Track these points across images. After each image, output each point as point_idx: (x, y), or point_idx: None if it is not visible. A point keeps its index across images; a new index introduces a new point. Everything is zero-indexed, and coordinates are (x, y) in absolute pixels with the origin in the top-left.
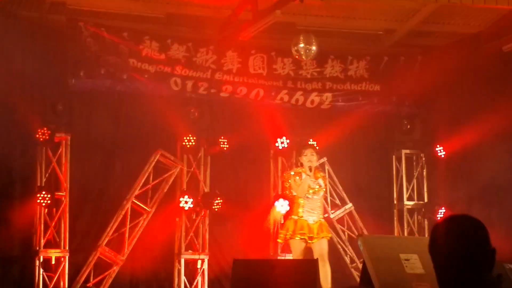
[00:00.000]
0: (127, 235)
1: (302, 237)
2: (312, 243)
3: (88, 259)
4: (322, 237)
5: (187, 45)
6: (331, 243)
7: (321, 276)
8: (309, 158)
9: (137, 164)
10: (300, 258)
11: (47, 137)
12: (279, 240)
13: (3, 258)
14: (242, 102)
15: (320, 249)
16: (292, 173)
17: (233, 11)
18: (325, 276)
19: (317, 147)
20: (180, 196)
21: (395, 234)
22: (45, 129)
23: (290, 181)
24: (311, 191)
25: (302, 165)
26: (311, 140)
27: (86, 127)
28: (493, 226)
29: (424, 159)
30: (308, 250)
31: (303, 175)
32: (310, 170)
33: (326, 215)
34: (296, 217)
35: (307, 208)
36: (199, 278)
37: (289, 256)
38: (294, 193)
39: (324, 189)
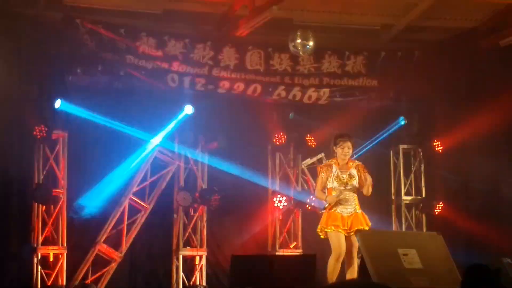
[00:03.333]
0: (125, 231)
1: (337, 229)
2: (349, 236)
3: (86, 256)
4: (355, 232)
5: (184, 41)
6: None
7: (348, 273)
8: (345, 152)
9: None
10: (337, 249)
11: (44, 134)
12: (321, 236)
13: (1, 255)
14: (239, 98)
15: (350, 244)
16: (322, 166)
17: (230, 7)
18: (352, 272)
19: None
20: (178, 193)
21: (393, 229)
22: (42, 126)
23: (319, 175)
24: (340, 183)
25: (335, 155)
26: (308, 136)
27: (83, 124)
28: (491, 221)
29: (421, 154)
30: (348, 239)
31: (334, 168)
32: (339, 164)
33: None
34: (330, 211)
35: (341, 201)
36: (197, 274)
37: (287, 252)
38: (329, 185)
39: (356, 179)
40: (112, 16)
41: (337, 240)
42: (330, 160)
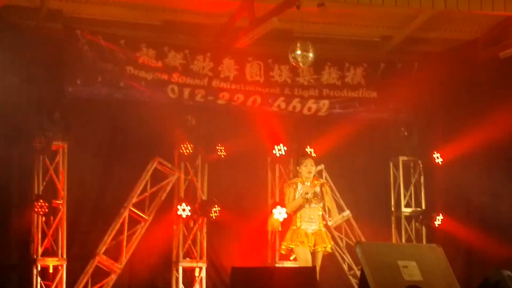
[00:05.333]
0: (124, 243)
1: (302, 245)
2: (313, 253)
3: (86, 268)
4: (320, 249)
5: (184, 53)
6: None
7: None
8: (309, 169)
9: (134, 172)
10: (305, 265)
11: (44, 145)
12: (282, 251)
13: (0, 266)
14: (239, 110)
15: (313, 261)
16: (289, 183)
17: (230, 18)
18: None
19: (314, 155)
20: (177, 204)
21: (393, 241)
22: (42, 137)
23: (286, 192)
24: (305, 201)
25: (300, 174)
26: (308, 147)
27: (83, 135)
28: (490, 233)
29: (421, 165)
30: (312, 256)
31: (299, 186)
32: (304, 182)
33: (323, 222)
34: (294, 227)
35: (306, 218)
36: (197, 286)
37: (287, 264)
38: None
39: (321, 198)
40: (112, 27)
41: (304, 255)
42: (295, 178)
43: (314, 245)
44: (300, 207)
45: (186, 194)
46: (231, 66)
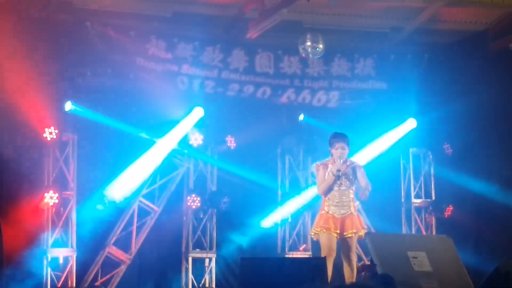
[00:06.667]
0: (134, 234)
1: (328, 232)
2: (344, 239)
3: (96, 258)
4: (350, 235)
5: (194, 44)
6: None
7: (346, 276)
8: (340, 153)
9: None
10: (328, 251)
11: (54, 137)
12: (314, 239)
13: (11, 257)
14: (249, 101)
15: (347, 247)
16: (319, 164)
17: (239, 10)
18: (349, 275)
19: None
20: (187, 195)
21: (403, 232)
22: (52, 128)
23: (316, 174)
24: (337, 182)
25: (331, 156)
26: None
27: (93, 127)
28: (500, 224)
29: (431, 156)
30: (338, 245)
31: (329, 167)
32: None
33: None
34: (323, 212)
35: (334, 202)
36: (207, 277)
37: (296, 254)
38: None
39: (352, 181)
40: (122, 19)
41: (327, 241)
42: (326, 159)
43: (343, 230)
44: (330, 190)
45: (195, 185)
46: (240, 57)
